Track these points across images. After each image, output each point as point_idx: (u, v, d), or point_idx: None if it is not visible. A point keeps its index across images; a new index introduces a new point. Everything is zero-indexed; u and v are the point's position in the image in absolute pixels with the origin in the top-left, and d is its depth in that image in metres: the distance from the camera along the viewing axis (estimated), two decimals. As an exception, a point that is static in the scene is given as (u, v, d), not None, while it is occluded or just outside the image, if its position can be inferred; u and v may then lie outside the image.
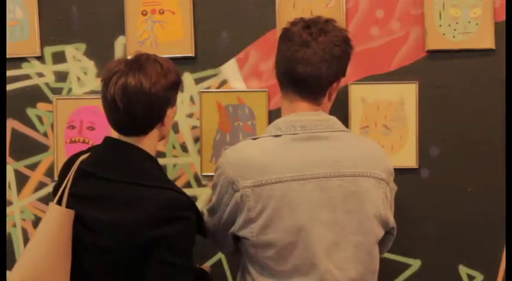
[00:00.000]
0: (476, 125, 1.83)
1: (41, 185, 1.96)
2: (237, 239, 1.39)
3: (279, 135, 1.32)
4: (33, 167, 1.96)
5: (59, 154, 1.93)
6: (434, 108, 1.83)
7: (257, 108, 1.87)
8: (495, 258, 1.82)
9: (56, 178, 1.92)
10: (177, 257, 1.29)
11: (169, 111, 1.42)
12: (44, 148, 1.95)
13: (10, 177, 1.96)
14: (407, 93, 1.82)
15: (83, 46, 1.94)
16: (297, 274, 1.28)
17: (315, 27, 1.35)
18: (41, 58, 1.95)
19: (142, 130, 1.39)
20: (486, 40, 1.81)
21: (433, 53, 1.84)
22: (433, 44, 1.83)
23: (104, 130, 1.92)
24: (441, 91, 1.84)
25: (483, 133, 1.83)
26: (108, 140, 1.42)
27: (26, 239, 1.96)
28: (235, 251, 1.44)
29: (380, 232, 1.36)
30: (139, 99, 1.34)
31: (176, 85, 1.44)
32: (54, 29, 1.94)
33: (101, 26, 1.93)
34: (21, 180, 1.96)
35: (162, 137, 1.47)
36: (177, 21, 1.89)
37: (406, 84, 1.82)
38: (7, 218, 1.95)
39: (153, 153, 1.42)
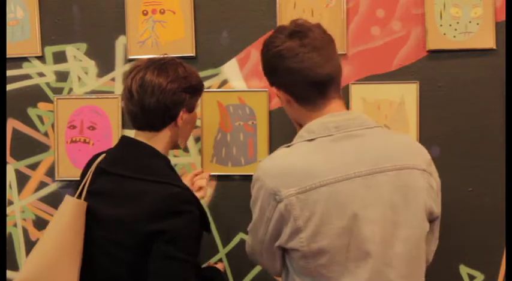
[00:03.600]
0: (476, 125, 1.83)
1: (42, 185, 1.96)
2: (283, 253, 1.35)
3: (313, 139, 1.29)
4: (34, 166, 1.96)
5: (59, 153, 1.93)
6: (435, 108, 1.83)
7: (258, 108, 1.87)
8: (496, 258, 1.82)
9: (56, 178, 1.93)
10: (178, 252, 1.29)
11: (183, 114, 1.44)
12: (44, 148, 1.96)
13: (11, 177, 1.96)
14: (408, 93, 1.82)
15: (83, 46, 1.94)
16: (349, 276, 1.24)
17: (299, 32, 1.32)
18: (41, 58, 1.95)
19: (155, 126, 1.43)
20: (487, 40, 1.81)
21: (434, 53, 1.84)
22: (433, 44, 1.83)
23: (104, 130, 1.92)
24: (442, 91, 1.84)
25: (483, 133, 1.83)
26: (122, 138, 1.47)
27: (27, 239, 1.96)
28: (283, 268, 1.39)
29: (427, 226, 1.33)
30: (154, 92, 1.38)
31: (194, 90, 1.46)
32: (55, 28, 1.95)
33: (102, 26, 1.93)
34: (22, 180, 1.96)
35: (175, 142, 1.49)
36: (177, 21, 1.89)
37: (407, 84, 1.83)
38: (8, 217, 1.96)
39: (164, 152, 1.45)
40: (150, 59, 1.45)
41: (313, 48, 1.30)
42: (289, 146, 1.32)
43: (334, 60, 1.33)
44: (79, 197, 1.41)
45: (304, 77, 1.29)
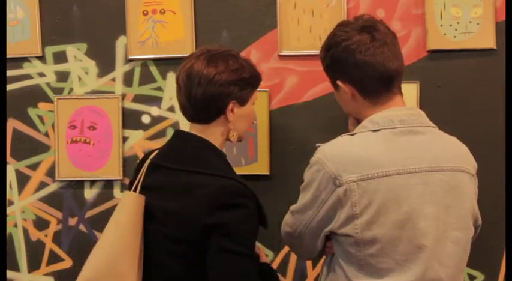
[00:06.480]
0: (477, 125, 1.83)
1: (42, 185, 1.96)
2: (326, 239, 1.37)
3: (378, 130, 1.30)
4: (34, 167, 1.96)
5: (60, 153, 1.93)
6: (435, 108, 1.83)
7: (258, 108, 1.86)
8: (496, 258, 1.82)
9: (57, 178, 1.93)
10: (235, 245, 1.28)
11: (233, 107, 1.40)
12: (45, 148, 1.96)
13: (11, 177, 1.96)
14: (408, 93, 1.82)
15: (84, 46, 1.94)
16: (399, 270, 1.26)
17: (369, 27, 1.34)
18: (42, 58, 1.95)
19: (203, 118, 1.41)
20: (487, 40, 1.81)
21: (434, 53, 1.84)
22: (434, 44, 1.83)
23: (105, 130, 1.92)
24: (442, 91, 1.84)
25: (483, 133, 1.83)
26: (175, 132, 1.47)
27: (27, 239, 1.96)
28: (320, 254, 1.41)
29: (473, 230, 1.36)
30: (201, 82, 1.37)
31: (246, 83, 1.42)
32: (55, 28, 1.95)
33: (102, 26, 1.93)
34: (22, 180, 1.96)
35: (237, 136, 1.46)
36: (178, 21, 1.90)
37: (407, 84, 1.82)
38: (8, 218, 1.96)
39: (220, 147, 1.43)
40: (202, 50, 1.43)
41: (383, 43, 1.32)
42: (352, 135, 1.33)
43: (400, 57, 1.36)
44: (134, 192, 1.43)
45: (374, 70, 1.31)
